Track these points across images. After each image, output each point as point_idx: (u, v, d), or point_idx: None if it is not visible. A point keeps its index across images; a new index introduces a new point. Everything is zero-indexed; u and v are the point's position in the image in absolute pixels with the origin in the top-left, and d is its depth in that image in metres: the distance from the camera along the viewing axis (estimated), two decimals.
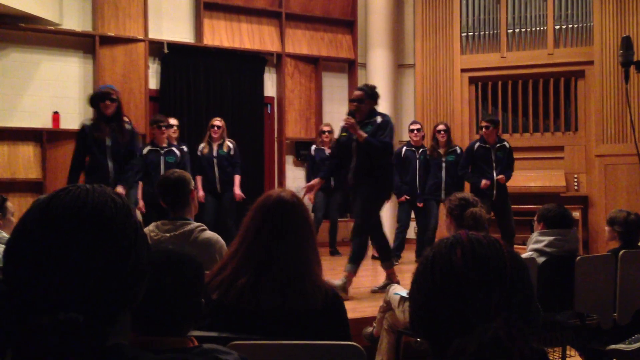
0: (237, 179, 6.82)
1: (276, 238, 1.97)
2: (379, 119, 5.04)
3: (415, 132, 7.08)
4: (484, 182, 6.46)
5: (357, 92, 5.14)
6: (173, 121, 6.70)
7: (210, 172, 6.70)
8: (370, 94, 5.12)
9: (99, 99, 5.09)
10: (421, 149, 7.08)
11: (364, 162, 4.97)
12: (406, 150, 7.12)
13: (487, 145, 6.61)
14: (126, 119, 5.27)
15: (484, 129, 6.61)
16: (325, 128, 7.72)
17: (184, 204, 3.10)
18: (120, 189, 5.48)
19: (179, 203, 3.10)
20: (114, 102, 5.07)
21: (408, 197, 7.08)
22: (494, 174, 6.52)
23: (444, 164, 6.84)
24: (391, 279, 5.15)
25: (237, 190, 6.77)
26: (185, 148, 6.62)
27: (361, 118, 5.04)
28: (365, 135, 4.91)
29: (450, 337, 1.02)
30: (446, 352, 1.02)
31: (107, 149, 5.08)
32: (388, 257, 5.24)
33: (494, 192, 6.49)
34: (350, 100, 5.17)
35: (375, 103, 5.17)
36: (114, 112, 5.09)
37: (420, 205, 6.95)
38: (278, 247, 1.96)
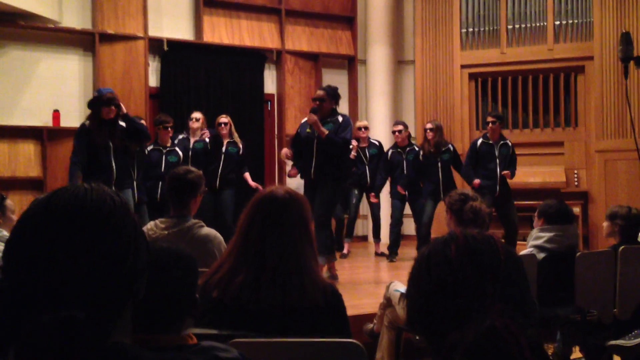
0: (247, 175, 6.83)
1: (270, 234, 1.97)
2: (340, 118, 5.36)
3: (397, 133, 6.97)
4: (475, 181, 6.47)
5: (319, 92, 5.44)
6: (198, 115, 6.69)
7: (214, 169, 6.67)
8: (332, 94, 5.42)
9: (104, 103, 5.10)
10: (408, 149, 6.97)
11: (324, 157, 5.26)
12: (392, 153, 7.01)
13: (491, 142, 6.62)
14: (143, 122, 5.55)
15: (490, 124, 6.61)
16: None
17: (187, 205, 3.12)
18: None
19: (182, 203, 3.11)
20: (117, 107, 5.17)
21: (376, 196, 7.06)
22: (498, 170, 6.53)
23: (439, 164, 6.73)
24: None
25: (253, 182, 6.75)
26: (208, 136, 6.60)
27: (322, 116, 5.30)
28: (326, 131, 5.19)
29: (448, 332, 1.03)
30: (443, 346, 1.02)
31: (110, 150, 5.21)
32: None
33: (497, 187, 6.50)
34: (313, 99, 5.45)
35: (337, 103, 5.48)
36: (114, 116, 5.19)
37: (403, 192, 6.87)
38: (273, 243, 1.96)
